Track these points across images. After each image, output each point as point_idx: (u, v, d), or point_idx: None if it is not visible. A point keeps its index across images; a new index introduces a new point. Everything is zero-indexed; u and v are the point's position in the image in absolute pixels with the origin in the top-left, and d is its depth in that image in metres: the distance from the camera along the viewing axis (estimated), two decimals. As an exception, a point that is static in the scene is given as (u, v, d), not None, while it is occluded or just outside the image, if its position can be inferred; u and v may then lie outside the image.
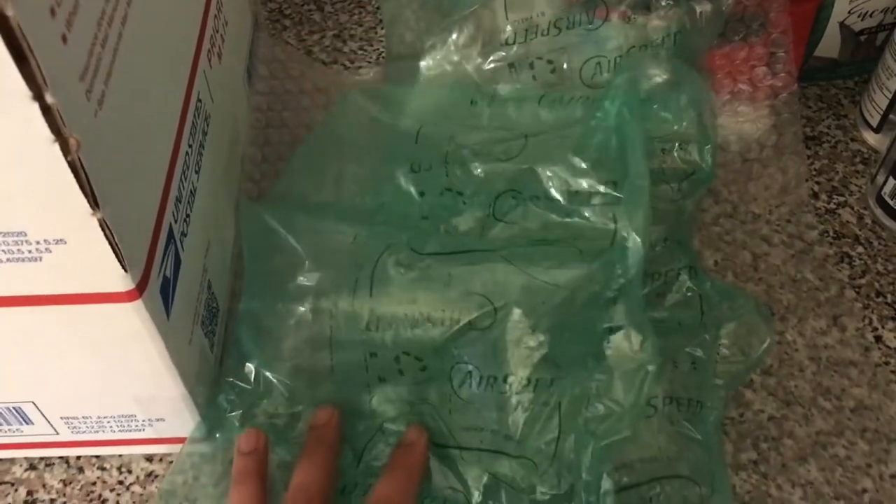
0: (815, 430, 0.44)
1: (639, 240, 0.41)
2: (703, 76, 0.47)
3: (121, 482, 0.43)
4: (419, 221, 0.45)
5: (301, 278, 0.41)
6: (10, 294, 0.32)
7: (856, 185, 0.54)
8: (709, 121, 0.47)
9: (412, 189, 0.46)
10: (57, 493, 0.42)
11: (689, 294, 0.43)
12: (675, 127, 0.45)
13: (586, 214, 0.44)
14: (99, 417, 0.40)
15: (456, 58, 0.49)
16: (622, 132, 0.44)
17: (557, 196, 0.44)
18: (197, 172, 0.41)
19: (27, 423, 0.40)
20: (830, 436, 0.43)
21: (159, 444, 0.42)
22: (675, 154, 0.46)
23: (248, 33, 0.55)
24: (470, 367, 0.39)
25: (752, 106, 0.51)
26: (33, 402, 0.39)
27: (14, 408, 0.39)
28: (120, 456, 0.44)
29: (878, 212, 0.52)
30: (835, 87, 0.60)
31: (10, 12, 0.23)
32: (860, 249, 0.51)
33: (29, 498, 0.42)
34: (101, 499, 0.42)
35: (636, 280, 0.40)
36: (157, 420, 0.40)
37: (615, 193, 0.44)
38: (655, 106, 0.45)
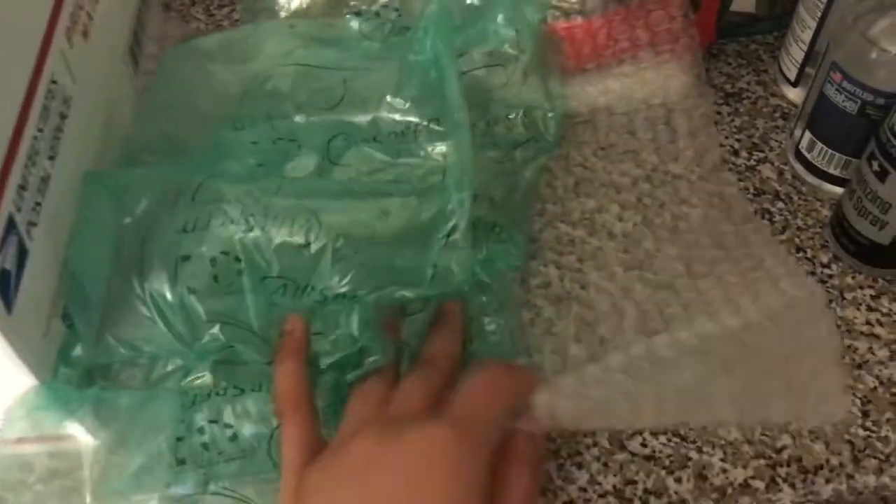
0: (733, 392, 0.41)
1: (464, 177, 0.39)
2: (551, 41, 0.45)
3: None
4: (254, 169, 0.43)
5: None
6: None
7: (776, 140, 0.52)
8: (555, 87, 0.45)
9: (244, 138, 0.44)
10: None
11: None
12: (494, 47, 0.43)
13: (416, 152, 0.42)
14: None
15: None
16: (439, 64, 0.42)
17: (385, 137, 0.42)
18: (51, 158, 0.38)
19: None
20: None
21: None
22: (518, 120, 0.45)
23: (130, 9, 0.52)
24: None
25: (651, 51, 0.49)
26: None
27: None
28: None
29: (798, 167, 0.50)
30: (755, 43, 0.57)
31: None
32: (780, 205, 0.49)
33: None
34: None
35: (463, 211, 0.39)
36: (20, 421, 0.38)
37: (439, 129, 0.42)
38: (471, 30, 0.44)
